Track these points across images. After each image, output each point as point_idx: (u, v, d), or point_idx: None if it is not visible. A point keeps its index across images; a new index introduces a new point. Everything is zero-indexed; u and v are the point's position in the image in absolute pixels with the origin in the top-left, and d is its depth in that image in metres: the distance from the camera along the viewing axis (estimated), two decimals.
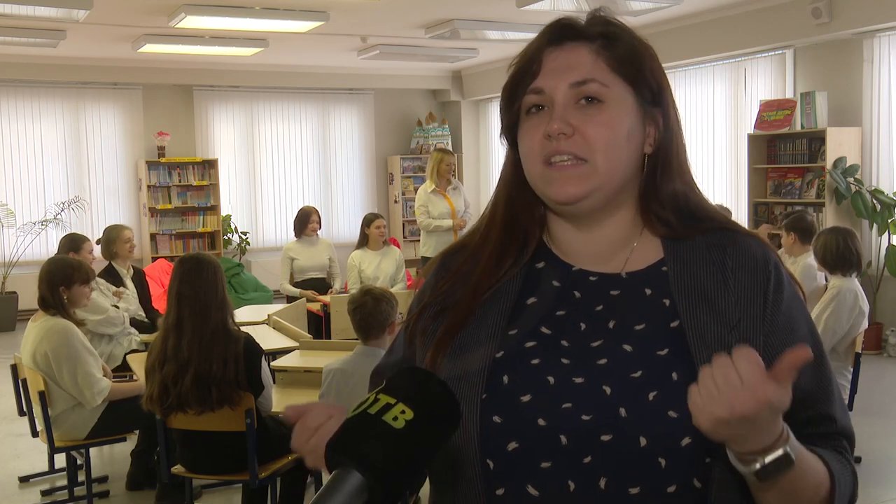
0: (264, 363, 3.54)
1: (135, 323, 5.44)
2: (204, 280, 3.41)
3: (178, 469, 3.59)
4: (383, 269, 6.66)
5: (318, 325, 6.41)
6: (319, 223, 7.11)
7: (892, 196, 7.11)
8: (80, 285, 4.22)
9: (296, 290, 6.79)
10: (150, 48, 8.83)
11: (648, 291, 1.11)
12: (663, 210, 1.14)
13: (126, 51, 9.17)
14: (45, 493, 4.56)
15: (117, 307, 5.25)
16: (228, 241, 10.86)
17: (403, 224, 11.84)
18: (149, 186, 10.50)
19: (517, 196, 1.17)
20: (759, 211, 7.97)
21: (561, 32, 1.12)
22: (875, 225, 7.18)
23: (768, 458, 0.93)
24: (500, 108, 1.16)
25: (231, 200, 11.06)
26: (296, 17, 7.57)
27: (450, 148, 11.56)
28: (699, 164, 8.46)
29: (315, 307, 6.49)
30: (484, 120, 12.20)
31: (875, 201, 7.12)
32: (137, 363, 4.42)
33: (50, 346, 3.99)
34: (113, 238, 5.75)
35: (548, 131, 1.08)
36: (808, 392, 1.08)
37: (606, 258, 1.15)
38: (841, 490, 1.04)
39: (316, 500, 0.80)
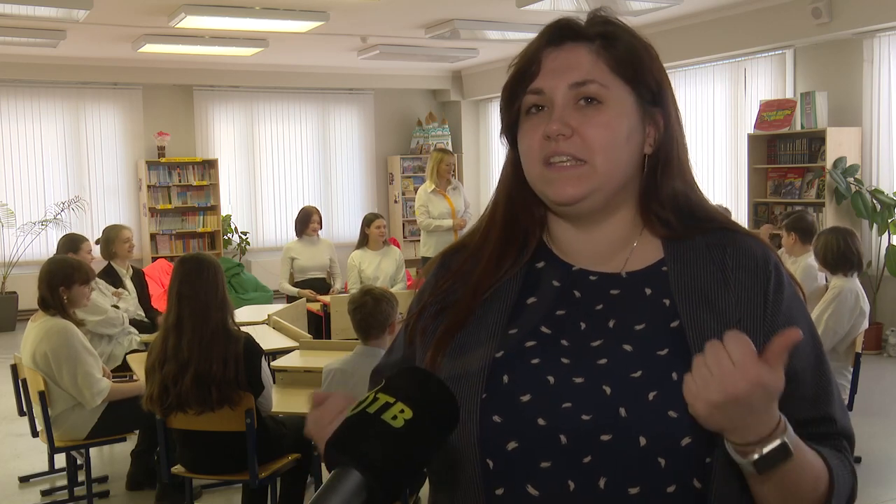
0: (264, 363, 3.54)
1: (135, 323, 5.44)
2: (204, 280, 3.41)
3: (178, 469, 3.59)
4: (383, 269, 6.66)
5: (318, 325, 6.41)
6: (320, 223, 7.11)
7: (892, 196, 7.11)
8: (80, 285, 4.22)
9: (294, 290, 6.79)
10: (150, 48, 8.83)
11: (648, 291, 1.11)
12: (663, 210, 1.14)
13: (126, 51, 9.17)
14: (45, 493, 4.56)
15: (117, 307, 5.25)
16: (228, 241, 10.87)
17: (403, 224, 11.84)
18: (149, 186, 10.50)
19: (517, 196, 1.17)
20: (759, 211, 7.98)
21: (561, 33, 1.12)
22: (875, 225, 7.18)
23: (766, 449, 0.93)
24: (500, 108, 1.16)
25: (231, 200, 11.06)
26: (296, 17, 7.57)
27: (450, 148, 11.56)
28: (699, 164, 8.42)
29: (315, 307, 6.49)
30: (484, 120, 12.20)
31: (875, 201, 7.12)
32: (137, 363, 4.42)
33: (50, 347, 3.99)
34: (112, 238, 5.75)
35: (547, 132, 1.08)
36: (808, 393, 1.08)
37: (606, 258, 1.15)
38: (839, 487, 1.04)
39: (315, 499, 0.80)
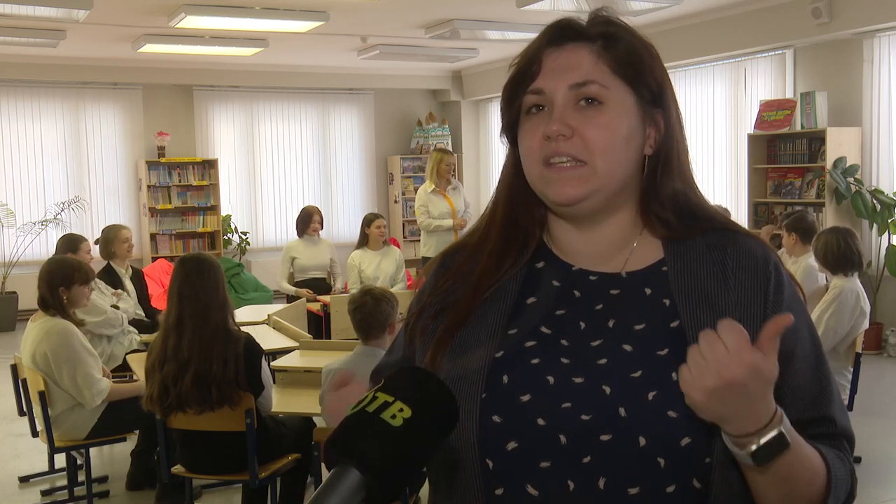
0: (264, 363, 3.54)
1: (136, 322, 5.44)
2: (205, 280, 3.41)
3: (178, 469, 3.59)
4: (383, 269, 6.66)
5: (318, 325, 6.41)
6: (322, 223, 7.11)
7: (892, 196, 7.11)
8: (80, 286, 4.22)
9: (292, 289, 6.80)
10: (150, 48, 8.83)
11: (648, 291, 1.11)
12: (663, 210, 1.14)
13: (126, 51, 9.17)
14: (45, 493, 4.56)
15: (116, 307, 5.24)
16: (228, 241, 10.87)
17: (403, 224, 11.84)
18: (149, 186, 10.50)
19: (517, 195, 1.17)
20: (759, 211, 7.98)
21: (562, 33, 1.12)
22: (875, 225, 7.18)
23: (763, 439, 0.94)
24: (501, 107, 1.16)
25: (231, 200, 11.06)
26: (296, 17, 7.57)
27: (450, 148, 11.56)
28: (699, 164, 8.41)
29: (315, 307, 6.49)
30: (484, 120, 12.20)
31: (875, 201, 7.12)
32: (137, 363, 4.42)
33: (49, 347, 3.99)
34: (111, 238, 5.75)
35: (547, 133, 1.08)
36: (807, 393, 1.08)
37: (606, 258, 1.15)
38: (837, 484, 1.04)
39: (315, 498, 0.80)
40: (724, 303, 1.07)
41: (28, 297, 8.33)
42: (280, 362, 4.25)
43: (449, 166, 7.27)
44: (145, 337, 5.22)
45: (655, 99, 1.12)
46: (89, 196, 10.35)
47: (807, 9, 7.07)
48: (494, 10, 7.67)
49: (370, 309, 3.42)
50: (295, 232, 7.18)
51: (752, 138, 7.89)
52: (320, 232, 7.10)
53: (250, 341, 3.45)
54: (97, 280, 4.95)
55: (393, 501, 0.84)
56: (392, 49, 9.45)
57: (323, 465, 3.16)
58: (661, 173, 1.13)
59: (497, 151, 11.28)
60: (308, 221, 6.99)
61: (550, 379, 1.05)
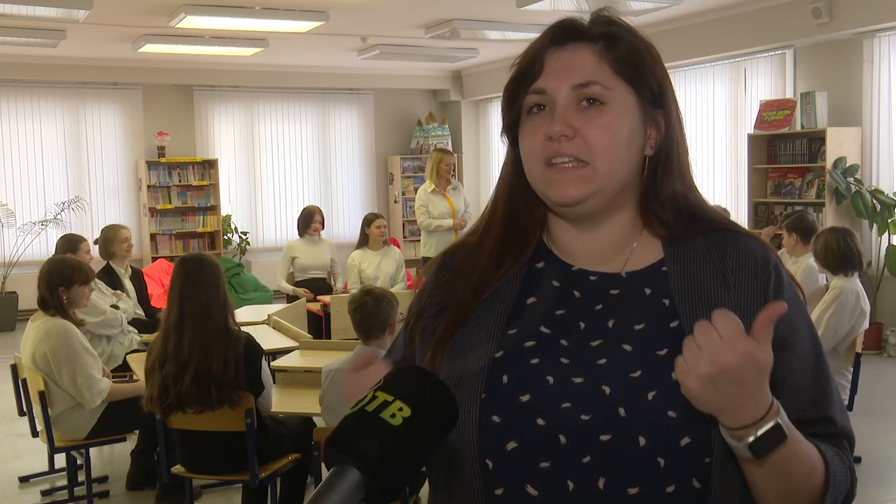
0: (264, 363, 3.54)
1: (136, 322, 5.44)
2: (205, 280, 3.41)
3: (178, 469, 3.59)
4: (383, 269, 6.66)
5: (318, 325, 6.41)
6: (323, 223, 7.11)
7: (892, 196, 7.11)
8: (80, 286, 4.22)
9: (290, 288, 6.80)
10: (150, 48, 8.83)
11: (648, 291, 1.11)
12: (663, 211, 1.14)
13: (126, 51, 9.17)
14: (45, 493, 4.56)
15: (116, 307, 5.25)
16: (228, 241, 10.87)
17: (403, 224, 11.84)
18: (149, 186, 10.50)
19: (517, 195, 1.17)
20: (759, 211, 7.98)
21: (564, 33, 1.12)
22: (875, 225, 7.18)
23: (761, 430, 0.94)
24: (502, 107, 1.16)
25: (231, 200, 11.06)
26: (296, 17, 7.57)
27: (450, 148, 11.56)
28: (699, 164, 8.41)
29: (315, 307, 6.49)
30: (484, 120, 12.20)
31: (875, 201, 7.12)
32: (137, 363, 4.42)
33: (49, 347, 3.99)
34: (110, 238, 5.76)
35: (549, 133, 1.08)
36: (807, 394, 1.08)
37: (606, 258, 1.15)
38: (836, 481, 1.04)
39: (314, 497, 0.80)
40: (724, 303, 1.07)
41: (28, 297, 8.33)
42: (280, 362, 4.25)
43: (449, 166, 7.27)
44: (145, 337, 5.22)
45: (656, 99, 1.12)
46: (89, 196, 10.35)
47: (807, 9, 7.07)
48: (494, 10, 7.67)
49: (370, 309, 3.42)
50: (295, 231, 7.18)
51: (752, 138, 7.89)
52: (321, 232, 7.10)
53: (250, 341, 3.45)
54: (97, 280, 4.95)
55: (392, 501, 0.84)
56: (392, 49, 9.45)
57: (323, 464, 3.16)
58: (662, 174, 1.13)
59: (497, 151, 11.28)
60: (309, 221, 6.99)
61: (550, 379, 1.05)
